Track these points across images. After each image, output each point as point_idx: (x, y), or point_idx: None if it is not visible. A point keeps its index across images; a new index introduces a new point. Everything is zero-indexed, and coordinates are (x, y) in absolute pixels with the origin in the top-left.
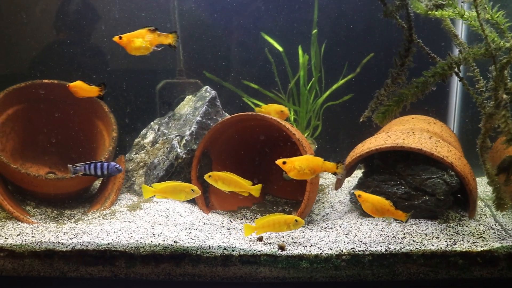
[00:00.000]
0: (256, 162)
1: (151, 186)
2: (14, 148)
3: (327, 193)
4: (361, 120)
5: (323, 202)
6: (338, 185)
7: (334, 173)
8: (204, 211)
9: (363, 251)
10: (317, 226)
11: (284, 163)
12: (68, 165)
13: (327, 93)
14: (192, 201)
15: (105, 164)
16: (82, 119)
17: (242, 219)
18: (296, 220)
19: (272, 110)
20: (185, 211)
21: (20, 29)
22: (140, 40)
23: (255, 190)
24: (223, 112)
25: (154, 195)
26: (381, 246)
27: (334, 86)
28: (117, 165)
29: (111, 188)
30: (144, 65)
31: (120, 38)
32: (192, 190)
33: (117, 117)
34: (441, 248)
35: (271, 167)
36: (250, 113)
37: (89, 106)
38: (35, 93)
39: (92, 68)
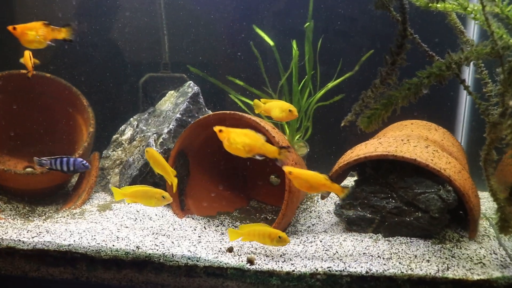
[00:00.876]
0: (241, 165)
1: (123, 187)
2: None
3: (315, 202)
4: (342, 124)
5: (311, 212)
6: (325, 194)
7: (276, 160)
8: (178, 215)
9: (341, 271)
10: (297, 239)
11: (220, 131)
12: (34, 157)
13: (321, 92)
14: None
15: (71, 160)
16: (61, 112)
17: (218, 225)
18: (279, 237)
19: (275, 107)
20: (156, 215)
21: None
22: (33, 34)
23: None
24: (206, 109)
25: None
26: (361, 267)
27: (330, 85)
28: (83, 161)
29: (84, 186)
30: (127, 57)
31: (14, 28)
32: (163, 197)
33: (98, 111)
34: (430, 273)
35: (257, 171)
36: (228, 112)
37: (68, 99)
38: (13, 84)
39: (74, 60)
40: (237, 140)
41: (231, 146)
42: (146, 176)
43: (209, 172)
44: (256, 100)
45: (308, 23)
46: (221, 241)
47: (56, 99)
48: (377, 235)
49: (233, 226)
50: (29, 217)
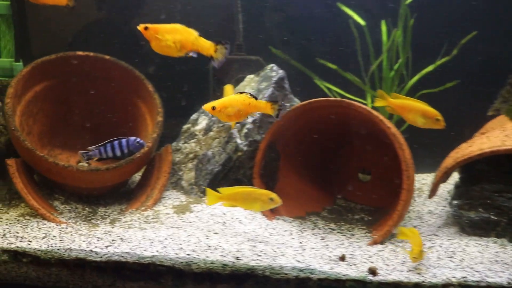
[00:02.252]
0: (328, 159)
1: (207, 186)
2: (42, 132)
3: (413, 201)
4: (489, 113)
5: (409, 212)
6: (433, 192)
7: (212, 59)
8: (268, 216)
9: (478, 281)
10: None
11: (146, 28)
12: (79, 151)
13: (415, 78)
14: None
15: (123, 141)
16: (121, 99)
17: (313, 229)
18: (271, 198)
19: (415, 110)
20: (245, 217)
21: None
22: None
23: None
24: (292, 96)
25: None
26: (500, 277)
27: (424, 71)
28: (138, 139)
29: (154, 184)
30: None
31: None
32: (271, 199)
33: (162, 99)
34: None
35: (344, 166)
36: (333, 98)
37: (130, 85)
38: (67, 67)
39: (135, 42)
40: (167, 36)
41: (160, 44)
42: (228, 172)
43: (297, 168)
44: (381, 91)
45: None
46: (327, 248)
47: (115, 84)
48: (501, 239)
49: (328, 229)
50: (92, 220)
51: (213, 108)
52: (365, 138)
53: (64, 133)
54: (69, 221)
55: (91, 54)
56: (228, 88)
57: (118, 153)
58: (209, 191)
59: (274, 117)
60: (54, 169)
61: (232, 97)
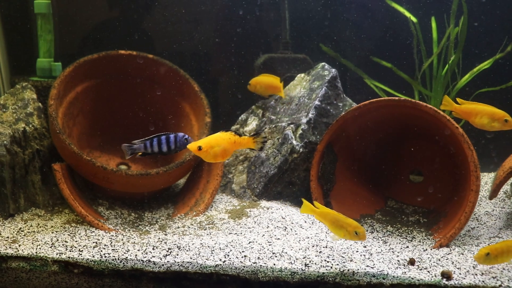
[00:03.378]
0: (380, 160)
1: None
2: (81, 133)
3: None
4: None
5: None
6: (495, 193)
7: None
8: None
9: None
10: (472, 245)
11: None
12: (123, 144)
13: (466, 77)
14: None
15: (171, 136)
16: (164, 99)
17: (372, 232)
18: (357, 232)
19: (483, 113)
20: (305, 221)
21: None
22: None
23: None
24: (344, 96)
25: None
26: None
27: (476, 69)
28: (186, 136)
29: (203, 187)
30: (240, 35)
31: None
32: (356, 233)
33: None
34: None
35: (395, 166)
36: (397, 98)
37: (174, 84)
38: (109, 66)
39: (175, 41)
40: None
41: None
42: (283, 174)
43: (351, 169)
44: (447, 97)
45: None
46: (392, 252)
47: (158, 84)
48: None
49: (387, 232)
50: (140, 227)
51: (199, 148)
52: (419, 138)
53: (102, 135)
54: (117, 227)
55: (134, 53)
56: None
57: (165, 148)
58: (305, 202)
59: (257, 151)
60: (100, 174)
61: (217, 136)
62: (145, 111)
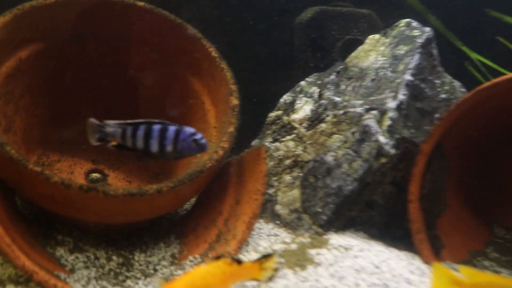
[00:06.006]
0: (489, 171)
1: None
2: (28, 125)
3: None
4: None
5: None
6: None
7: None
8: (430, 262)
9: None
10: None
11: None
12: (90, 119)
13: None
14: (402, 240)
15: (171, 129)
16: (162, 74)
17: None
18: None
19: None
20: (410, 271)
21: None
22: None
23: None
24: (442, 69)
25: None
26: None
27: None
28: (197, 135)
29: (230, 210)
30: None
31: None
32: None
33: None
34: None
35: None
36: None
37: (174, 48)
38: (72, 20)
39: None
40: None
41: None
42: (363, 190)
43: (458, 183)
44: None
45: None
46: None
47: (150, 47)
48: None
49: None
50: (128, 281)
51: None
52: None
53: (64, 126)
54: (89, 287)
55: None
56: None
57: (155, 147)
58: (439, 267)
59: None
60: (61, 195)
61: (204, 272)
62: (127, 91)
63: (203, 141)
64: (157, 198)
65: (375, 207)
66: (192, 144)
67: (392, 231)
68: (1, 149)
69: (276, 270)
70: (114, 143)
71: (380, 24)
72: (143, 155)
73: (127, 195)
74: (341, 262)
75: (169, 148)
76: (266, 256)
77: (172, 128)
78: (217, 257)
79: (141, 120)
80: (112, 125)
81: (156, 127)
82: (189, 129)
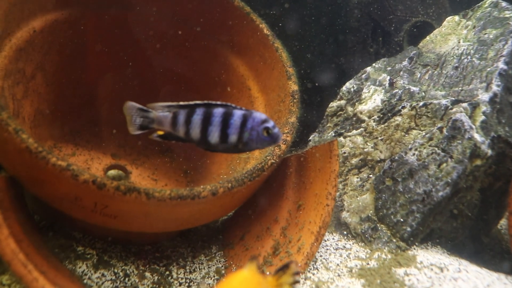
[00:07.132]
0: None
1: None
2: (38, 113)
3: None
4: None
5: None
6: None
7: None
8: None
9: None
10: None
11: None
12: (129, 103)
13: None
14: (477, 255)
15: (237, 114)
16: (195, 52)
17: None
18: None
19: None
20: None
21: None
22: None
23: None
24: None
25: None
26: None
27: None
28: (269, 122)
29: (288, 216)
30: None
31: None
32: None
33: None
34: None
35: None
36: None
37: (215, 24)
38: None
39: None
40: None
41: None
42: (452, 198)
43: None
44: None
45: None
46: None
47: (185, 23)
48: None
49: None
50: None
51: None
52: None
53: (79, 116)
54: None
55: None
56: None
57: (215, 137)
58: None
59: None
60: (92, 198)
61: (244, 280)
62: (158, 75)
63: (276, 130)
64: (210, 201)
65: (458, 218)
66: (262, 134)
67: (469, 245)
68: (16, 137)
69: (296, 283)
70: (160, 132)
71: (448, 6)
72: (199, 146)
73: (176, 198)
74: (439, 286)
75: (233, 138)
76: (283, 268)
77: (238, 113)
78: (283, 267)
79: (197, 102)
80: (159, 108)
81: (218, 111)
82: (259, 115)
